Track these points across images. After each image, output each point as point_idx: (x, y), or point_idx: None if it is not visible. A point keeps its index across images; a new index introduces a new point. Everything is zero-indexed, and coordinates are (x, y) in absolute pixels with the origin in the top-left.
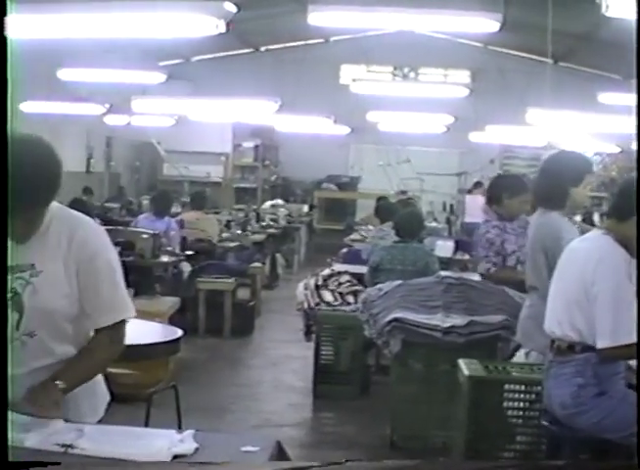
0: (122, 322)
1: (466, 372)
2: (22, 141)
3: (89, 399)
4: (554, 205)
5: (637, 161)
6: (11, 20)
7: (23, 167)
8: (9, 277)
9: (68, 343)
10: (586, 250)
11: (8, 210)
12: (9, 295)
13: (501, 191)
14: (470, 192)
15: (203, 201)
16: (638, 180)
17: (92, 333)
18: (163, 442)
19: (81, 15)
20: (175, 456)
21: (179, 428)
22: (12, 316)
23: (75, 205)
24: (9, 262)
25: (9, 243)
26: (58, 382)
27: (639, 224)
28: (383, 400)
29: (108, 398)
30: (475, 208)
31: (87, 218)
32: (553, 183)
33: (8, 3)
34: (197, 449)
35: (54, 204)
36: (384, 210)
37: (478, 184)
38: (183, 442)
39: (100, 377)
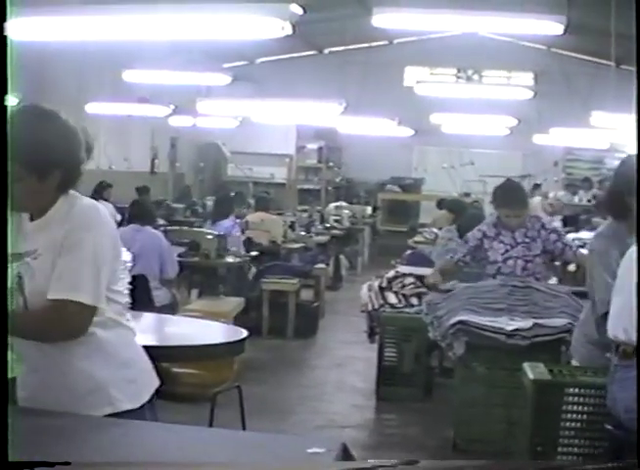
0: (71, 303)
1: (531, 376)
2: (28, 108)
3: (128, 385)
4: (620, 214)
5: (637, 161)
6: (77, 22)
7: (25, 132)
8: (18, 263)
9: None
10: None
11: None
12: (16, 279)
13: (493, 198)
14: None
15: (267, 202)
16: (638, 180)
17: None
18: None
19: (147, 17)
20: None
21: (243, 428)
22: (18, 300)
23: (135, 207)
24: (22, 247)
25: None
26: None
27: (639, 224)
28: (446, 403)
29: (156, 383)
30: (533, 210)
31: (91, 201)
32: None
33: (8, 4)
34: None
35: (79, 197)
36: (456, 208)
37: (536, 186)
38: None
39: (145, 365)
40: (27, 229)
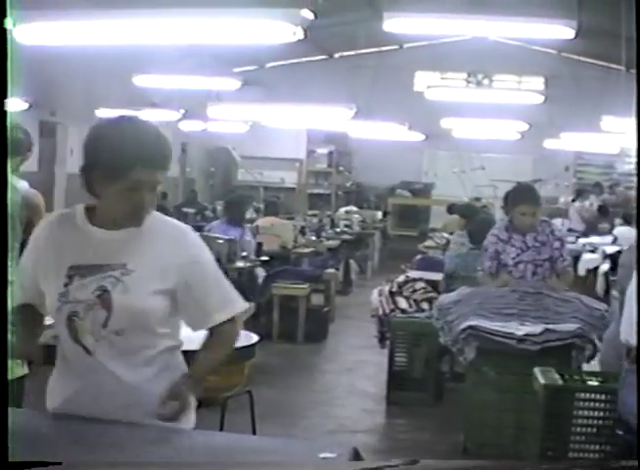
0: (237, 317)
1: (542, 380)
2: (133, 118)
3: None
4: None
5: (637, 161)
6: (88, 27)
7: (148, 136)
8: (100, 275)
9: (155, 340)
10: None
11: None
12: (97, 293)
13: (505, 202)
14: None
15: (277, 207)
16: (638, 181)
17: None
18: None
19: (158, 21)
20: None
21: (253, 433)
22: (99, 314)
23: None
24: (100, 258)
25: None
26: (185, 385)
27: (639, 223)
28: (456, 408)
29: (195, 403)
30: (571, 215)
31: (180, 223)
32: None
33: (9, 6)
34: None
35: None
36: (468, 213)
37: (580, 193)
38: None
39: None
40: (101, 238)
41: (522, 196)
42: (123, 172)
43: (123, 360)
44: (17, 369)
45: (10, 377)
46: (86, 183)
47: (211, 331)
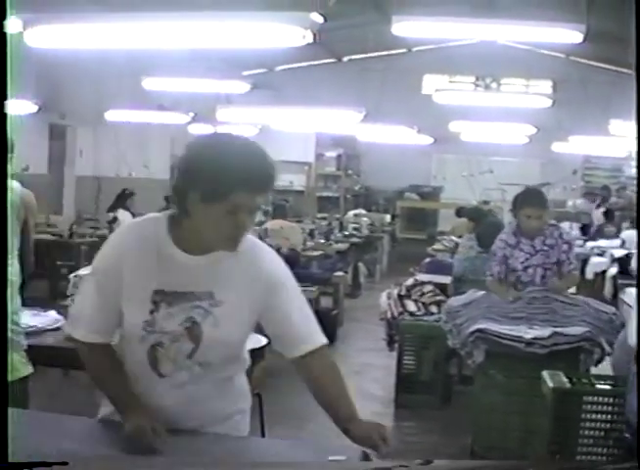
0: (324, 348)
1: (550, 384)
2: (236, 137)
3: (245, 417)
4: None
5: (637, 161)
6: (97, 30)
7: (253, 157)
8: (187, 304)
9: (237, 366)
10: None
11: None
12: (186, 324)
13: (513, 205)
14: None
15: (286, 209)
16: (638, 183)
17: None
18: None
19: (168, 25)
20: None
21: (262, 436)
22: (185, 346)
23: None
24: (184, 285)
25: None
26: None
27: (639, 224)
28: (464, 410)
29: None
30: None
31: (258, 240)
32: None
33: (8, 4)
34: None
35: None
36: (476, 216)
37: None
38: None
39: None
40: (185, 263)
41: (528, 199)
42: (224, 195)
43: (200, 386)
44: (22, 368)
45: (17, 376)
46: (178, 203)
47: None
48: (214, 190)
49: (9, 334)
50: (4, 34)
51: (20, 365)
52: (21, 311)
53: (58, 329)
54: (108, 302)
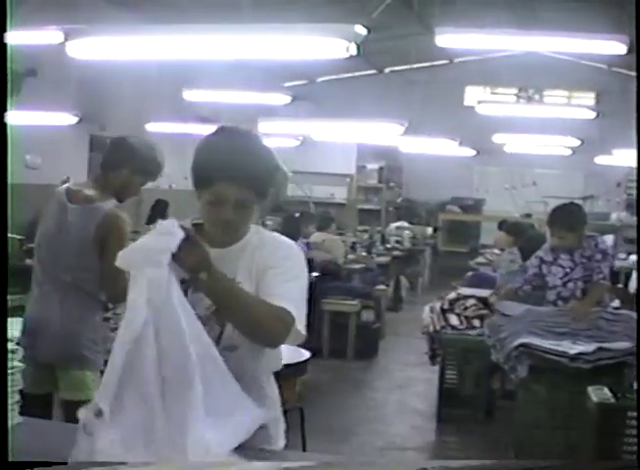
0: (289, 315)
1: (594, 399)
2: (233, 130)
3: (278, 425)
4: None
5: (637, 162)
6: (138, 41)
7: (237, 150)
8: None
9: (262, 357)
10: None
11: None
12: (213, 308)
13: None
14: None
15: (328, 222)
16: (638, 182)
17: None
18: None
19: (211, 37)
20: None
21: (303, 449)
22: (213, 330)
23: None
24: None
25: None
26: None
27: (639, 223)
28: (507, 425)
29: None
30: None
31: (289, 240)
32: None
33: (8, 4)
34: None
35: (255, 226)
36: (515, 230)
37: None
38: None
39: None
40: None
41: (555, 219)
42: (206, 185)
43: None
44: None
45: (89, 395)
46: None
47: None
48: (197, 179)
49: (85, 352)
50: (4, 45)
51: (92, 384)
52: (100, 331)
53: None
54: None
